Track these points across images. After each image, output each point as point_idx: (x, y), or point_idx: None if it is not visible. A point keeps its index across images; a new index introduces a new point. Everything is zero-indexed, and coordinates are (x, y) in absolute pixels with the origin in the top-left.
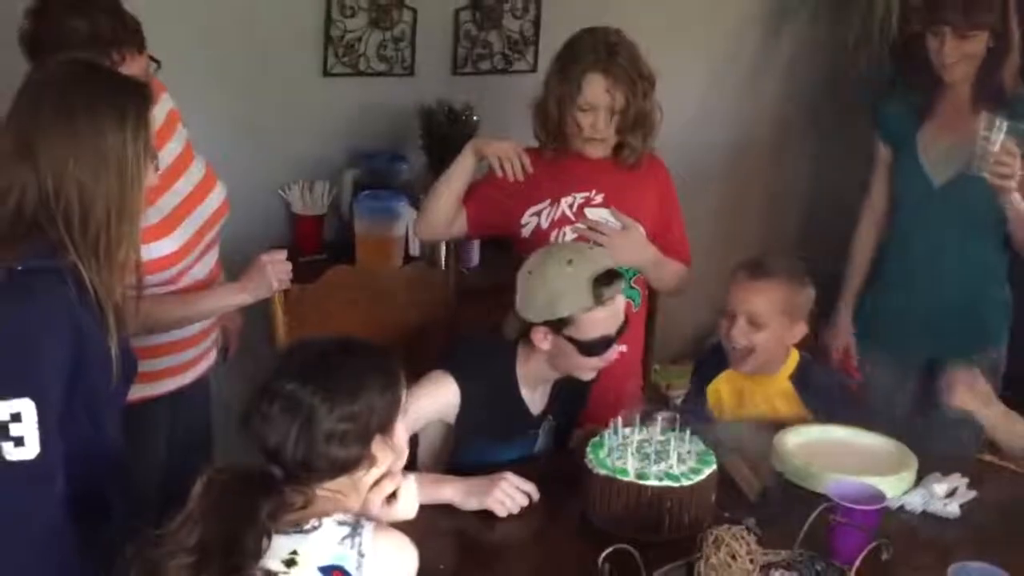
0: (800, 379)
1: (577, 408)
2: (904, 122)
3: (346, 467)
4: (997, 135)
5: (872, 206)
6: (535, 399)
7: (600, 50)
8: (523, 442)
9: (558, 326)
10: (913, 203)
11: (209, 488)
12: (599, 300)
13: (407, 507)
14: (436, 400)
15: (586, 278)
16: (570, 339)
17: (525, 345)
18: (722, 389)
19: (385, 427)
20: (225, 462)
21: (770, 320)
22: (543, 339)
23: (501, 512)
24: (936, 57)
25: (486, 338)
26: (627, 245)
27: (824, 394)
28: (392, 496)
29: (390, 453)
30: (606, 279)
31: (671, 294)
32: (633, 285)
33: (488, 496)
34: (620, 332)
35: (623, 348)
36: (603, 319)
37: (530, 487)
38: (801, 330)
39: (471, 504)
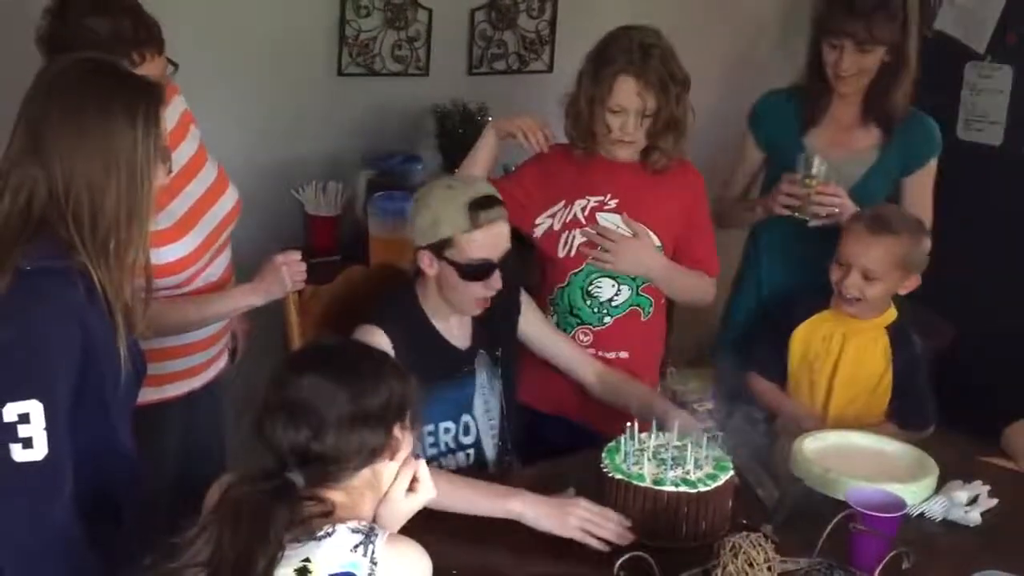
0: (897, 332)
1: (511, 336)
2: (787, 130)
3: (373, 455)
4: (819, 171)
5: (740, 180)
6: (453, 332)
7: (634, 51)
8: (462, 381)
9: (439, 248)
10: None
11: (225, 500)
12: (475, 222)
13: (428, 489)
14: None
15: (464, 201)
16: (451, 262)
17: (422, 279)
18: (812, 335)
19: (404, 413)
20: (242, 469)
21: (884, 275)
22: (429, 264)
23: (598, 546)
24: (832, 68)
25: (389, 285)
26: (633, 253)
27: (914, 355)
28: (413, 481)
29: (410, 440)
30: (483, 203)
31: (688, 305)
32: (641, 292)
33: (565, 529)
34: (504, 260)
35: (623, 354)
36: (481, 242)
37: (609, 513)
38: (914, 282)
39: (542, 526)
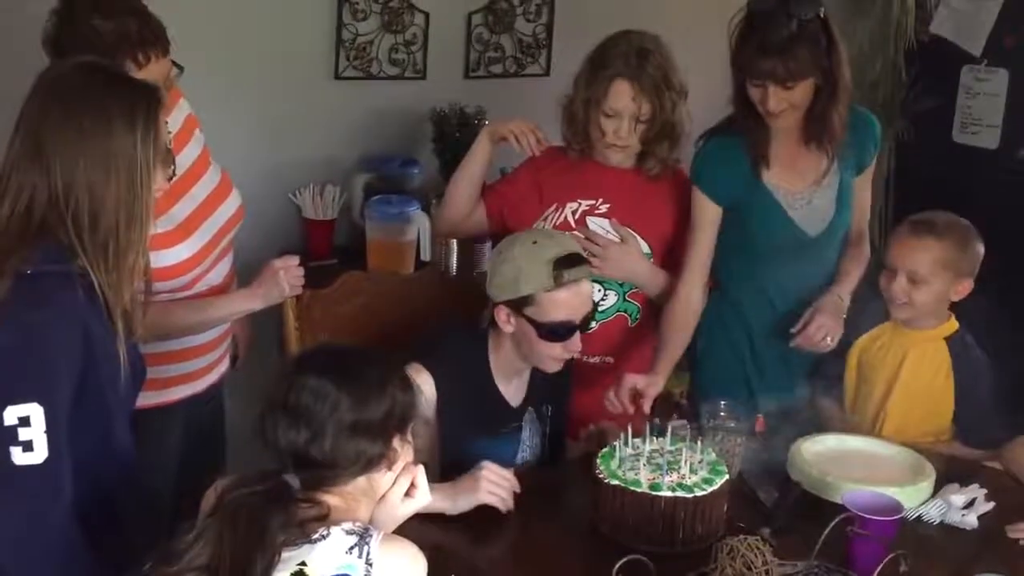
0: (958, 343)
1: (562, 396)
2: (741, 181)
3: (370, 464)
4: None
5: (698, 266)
6: (511, 391)
7: (631, 56)
8: (508, 435)
9: (519, 306)
10: (785, 256)
11: (221, 504)
12: (559, 281)
13: (425, 495)
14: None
15: (548, 258)
16: (531, 320)
17: (495, 333)
18: (870, 346)
19: (405, 425)
20: (238, 473)
21: (931, 277)
22: (506, 320)
23: (500, 504)
24: (760, 106)
25: (459, 329)
26: (620, 258)
27: (975, 367)
28: (410, 487)
29: (409, 452)
30: (568, 261)
31: None
32: (629, 299)
33: (478, 492)
34: (586, 321)
35: (609, 359)
36: (564, 302)
37: (508, 474)
38: (966, 287)
39: (462, 506)
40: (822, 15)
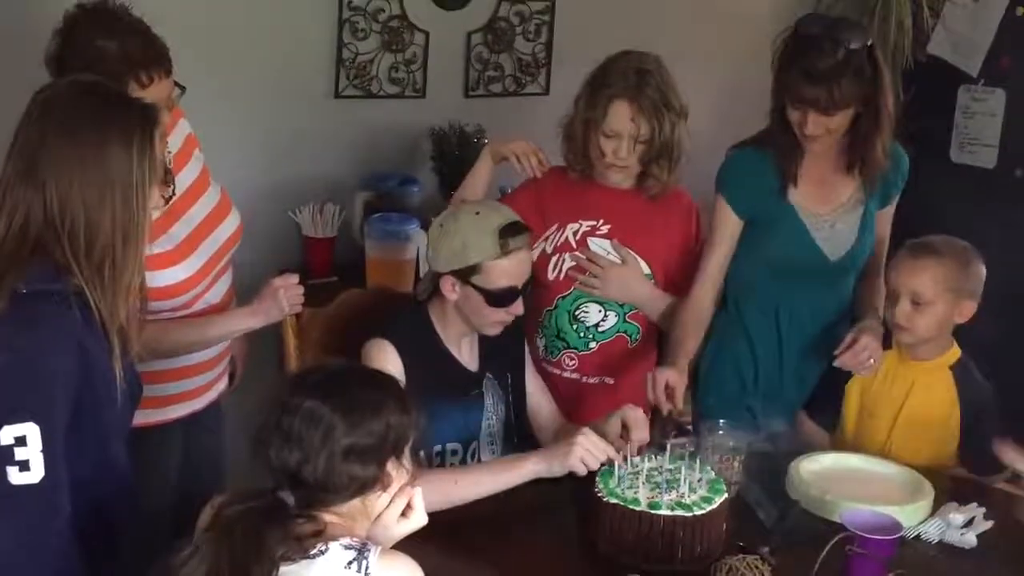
0: (962, 371)
1: (517, 364)
2: (767, 195)
3: (363, 487)
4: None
5: (712, 274)
6: (464, 355)
7: (630, 77)
8: (470, 403)
9: (466, 275)
10: (801, 279)
11: (217, 520)
12: (504, 249)
13: (421, 516)
14: (390, 364)
15: (493, 227)
16: (477, 288)
17: (436, 302)
18: (871, 376)
19: (400, 448)
20: (234, 490)
21: (935, 298)
22: (451, 289)
23: (582, 470)
24: (798, 128)
25: (401, 311)
26: (621, 279)
27: (981, 394)
28: (406, 508)
29: (404, 475)
30: (512, 229)
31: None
32: (629, 319)
33: (569, 457)
34: (526, 286)
35: (608, 380)
36: (509, 269)
37: (606, 445)
38: (969, 308)
39: (556, 470)
40: (869, 43)
